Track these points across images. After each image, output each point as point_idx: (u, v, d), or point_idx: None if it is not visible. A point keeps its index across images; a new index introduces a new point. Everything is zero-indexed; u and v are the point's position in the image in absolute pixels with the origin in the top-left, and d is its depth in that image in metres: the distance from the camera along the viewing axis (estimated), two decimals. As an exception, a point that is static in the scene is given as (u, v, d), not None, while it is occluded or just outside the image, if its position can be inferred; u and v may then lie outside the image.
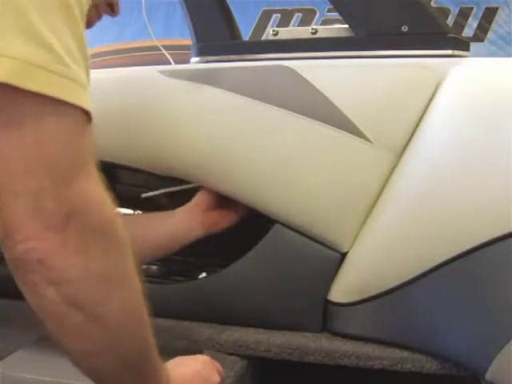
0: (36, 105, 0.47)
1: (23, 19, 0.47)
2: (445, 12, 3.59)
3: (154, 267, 1.08)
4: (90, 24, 0.71)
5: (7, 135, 0.47)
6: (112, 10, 0.77)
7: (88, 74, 0.53)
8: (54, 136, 0.48)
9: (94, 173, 0.52)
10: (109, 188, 0.54)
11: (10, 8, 0.46)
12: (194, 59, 1.11)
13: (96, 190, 0.52)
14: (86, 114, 0.51)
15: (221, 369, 0.82)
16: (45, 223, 0.48)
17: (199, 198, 1.01)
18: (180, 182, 1.05)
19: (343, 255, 0.97)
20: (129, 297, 0.57)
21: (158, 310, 1.01)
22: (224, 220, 1.01)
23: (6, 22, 0.46)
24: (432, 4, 3.40)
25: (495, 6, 3.69)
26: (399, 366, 0.90)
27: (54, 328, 0.54)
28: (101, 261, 0.52)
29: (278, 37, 1.10)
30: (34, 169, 0.48)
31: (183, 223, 0.98)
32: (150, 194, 1.08)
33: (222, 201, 1.01)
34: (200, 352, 0.90)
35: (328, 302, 0.97)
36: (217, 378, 0.78)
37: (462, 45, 1.02)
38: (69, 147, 0.49)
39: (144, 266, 1.08)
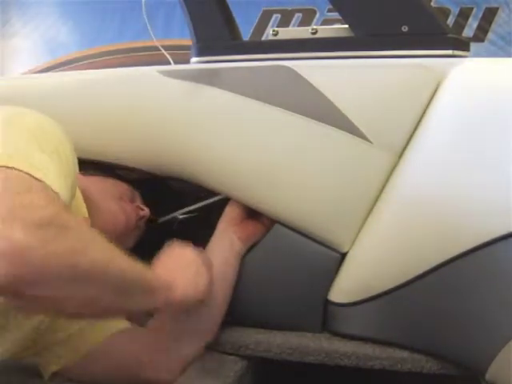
0: None
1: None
2: (445, 12, 3.58)
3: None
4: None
5: None
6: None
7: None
8: None
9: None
10: None
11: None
12: (194, 59, 1.11)
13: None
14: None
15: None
16: None
17: (230, 212, 1.01)
18: (183, 184, 1.05)
19: (343, 255, 0.97)
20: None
21: (158, 310, 1.02)
22: (257, 230, 1.00)
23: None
24: (432, 4, 3.40)
25: (495, 6, 3.68)
26: (399, 366, 0.90)
27: None
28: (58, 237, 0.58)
29: (278, 37, 1.10)
30: None
31: (226, 244, 0.98)
32: (165, 218, 1.08)
33: (250, 212, 1.00)
34: None
35: (328, 302, 0.97)
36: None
37: (462, 45, 1.02)
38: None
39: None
